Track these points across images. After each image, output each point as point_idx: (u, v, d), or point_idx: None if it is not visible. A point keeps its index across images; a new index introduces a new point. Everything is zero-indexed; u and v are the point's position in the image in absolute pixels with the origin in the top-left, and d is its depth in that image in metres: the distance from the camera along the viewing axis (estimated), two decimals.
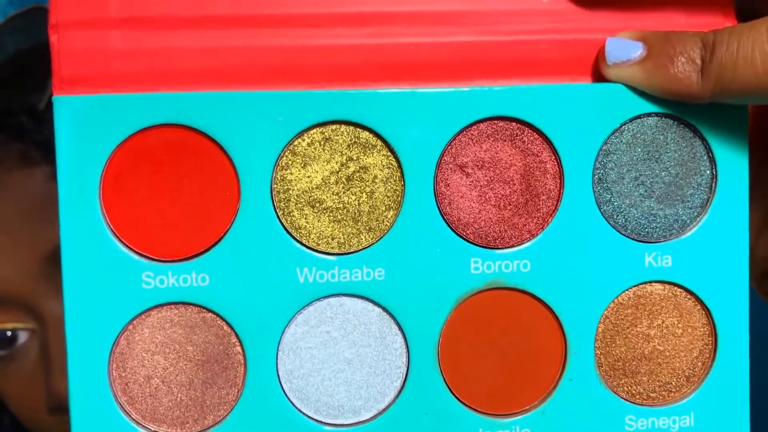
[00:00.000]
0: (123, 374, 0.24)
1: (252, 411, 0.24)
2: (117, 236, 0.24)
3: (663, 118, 0.25)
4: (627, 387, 0.26)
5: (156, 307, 0.24)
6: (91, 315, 0.24)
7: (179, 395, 0.24)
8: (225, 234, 0.24)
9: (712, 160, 0.25)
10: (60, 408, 0.40)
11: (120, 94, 0.23)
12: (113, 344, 0.24)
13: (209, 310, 0.24)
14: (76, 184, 0.23)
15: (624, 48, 0.25)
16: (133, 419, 0.24)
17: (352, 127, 0.24)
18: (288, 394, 0.25)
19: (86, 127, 0.23)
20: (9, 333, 0.41)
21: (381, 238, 0.25)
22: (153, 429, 0.24)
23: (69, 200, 0.23)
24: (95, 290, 0.23)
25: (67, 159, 0.23)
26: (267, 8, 0.24)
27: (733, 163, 0.25)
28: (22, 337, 0.41)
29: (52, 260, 0.40)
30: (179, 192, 0.24)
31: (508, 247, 0.25)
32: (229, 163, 0.24)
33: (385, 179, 0.25)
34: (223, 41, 0.24)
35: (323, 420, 0.25)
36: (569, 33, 0.25)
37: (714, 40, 0.23)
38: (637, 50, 0.24)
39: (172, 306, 0.24)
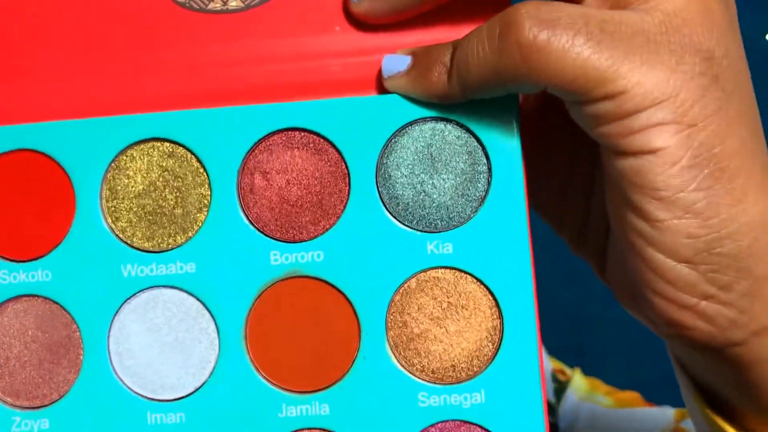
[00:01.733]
0: None
1: (89, 387, 0.29)
2: None
3: (439, 121, 0.28)
4: (419, 366, 0.28)
5: (12, 299, 0.29)
6: None
7: (32, 373, 0.29)
8: (64, 238, 0.29)
9: (487, 156, 0.28)
10: None
11: None
12: None
13: (54, 302, 0.29)
14: None
15: (395, 62, 0.28)
16: None
17: (167, 143, 0.29)
18: (118, 372, 0.29)
19: None
20: None
21: (193, 237, 0.29)
22: (10, 402, 0.29)
23: None
24: None
25: None
26: (100, 54, 0.29)
27: (505, 155, 0.28)
28: None
29: None
30: (28, 204, 0.29)
31: (304, 241, 0.29)
32: (67, 178, 0.29)
33: (196, 186, 0.29)
34: (62, 84, 0.29)
35: (147, 395, 0.29)
36: (359, 55, 0.29)
37: (458, 44, 0.26)
38: (405, 63, 0.28)
39: (25, 298, 0.29)
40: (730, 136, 0.24)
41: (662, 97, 0.24)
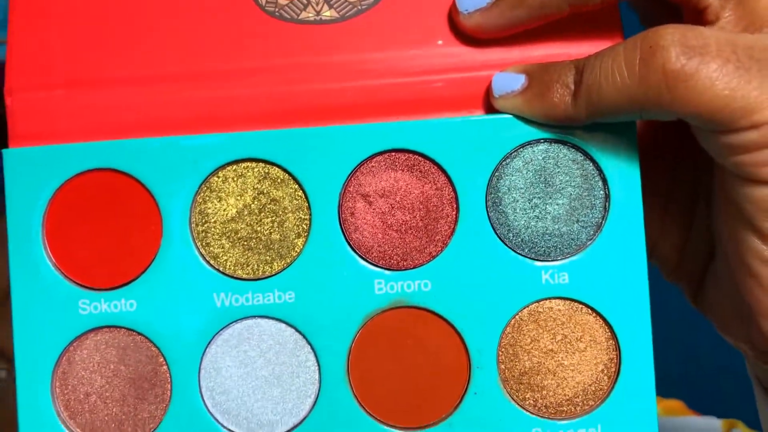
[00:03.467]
0: (65, 391, 0.27)
1: (178, 424, 0.27)
2: (57, 268, 0.27)
3: (552, 144, 0.27)
4: (533, 401, 0.27)
5: (92, 330, 0.27)
6: (36, 338, 0.27)
7: (114, 410, 0.27)
8: (150, 264, 0.27)
9: (604, 180, 0.27)
10: None
11: (58, 145, 0.27)
12: (56, 364, 0.27)
13: (138, 333, 0.27)
14: (22, 224, 0.27)
15: (508, 81, 0.27)
16: None
17: (262, 164, 0.27)
18: (210, 408, 0.27)
19: (30, 174, 0.27)
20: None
21: (291, 264, 0.27)
22: None
23: (16, 238, 0.27)
24: (39, 317, 0.27)
25: (15, 201, 0.27)
26: (188, 66, 0.27)
27: (624, 181, 0.27)
28: (1, 378, 0.42)
29: (6, 298, 0.41)
30: (110, 228, 0.27)
31: (410, 269, 0.27)
32: (153, 200, 0.27)
33: (294, 210, 0.27)
34: (149, 96, 0.27)
35: None
36: (463, 71, 0.27)
37: (584, 65, 0.25)
38: (520, 82, 0.26)
39: (106, 329, 0.27)
40: None
41: None
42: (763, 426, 0.32)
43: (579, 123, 0.26)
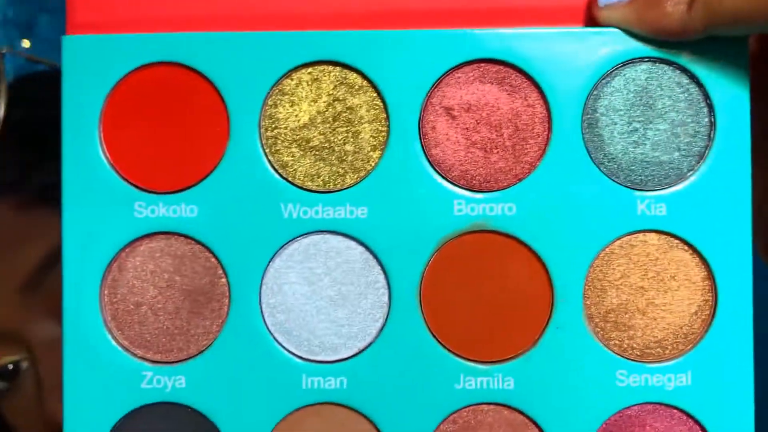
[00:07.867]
0: (114, 301, 0.25)
1: (234, 342, 0.25)
2: (113, 167, 0.25)
3: (657, 63, 0.25)
4: (619, 341, 0.25)
5: (147, 236, 0.25)
6: (86, 242, 0.25)
7: (166, 323, 0.25)
8: (214, 168, 0.25)
9: (710, 107, 0.25)
10: None
11: (121, 34, 0.25)
12: (106, 271, 0.25)
13: (197, 242, 0.25)
14: (78, 118, 0.25)
15: None
16: (121, 344, 0.25)
17: (339, 68, 0.25)
18: (269, 327, 0.25)
19: (88, 64, 0.25)
20: (11, 366, 0.40)
21: (365, 177, 0.25)
22: (140, 354, 0.25)
23: (71, 132, 0.25)
24: (91, 218, 0.25)
25: (72, 94, 0.25)
26: None
27: (733, 110, 0.24)
28: (21, 368, 0.40)
29: (29, 288, 0.39)
30: (173, 127, 0.25)
31: (493, 191, 0.25)
32: (221, 100, 0.25)
33: (370, 120, 0.25)
34: None
35: (303, 356, 0.25)
36: None
37: None
38: None
39: (162, 236, 0.25)
40: None
41: None
42: None
43: (693, 36, 0.23)
